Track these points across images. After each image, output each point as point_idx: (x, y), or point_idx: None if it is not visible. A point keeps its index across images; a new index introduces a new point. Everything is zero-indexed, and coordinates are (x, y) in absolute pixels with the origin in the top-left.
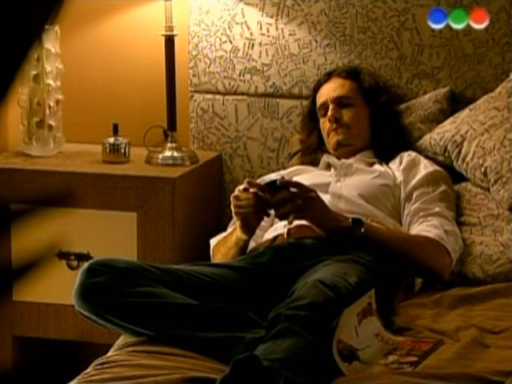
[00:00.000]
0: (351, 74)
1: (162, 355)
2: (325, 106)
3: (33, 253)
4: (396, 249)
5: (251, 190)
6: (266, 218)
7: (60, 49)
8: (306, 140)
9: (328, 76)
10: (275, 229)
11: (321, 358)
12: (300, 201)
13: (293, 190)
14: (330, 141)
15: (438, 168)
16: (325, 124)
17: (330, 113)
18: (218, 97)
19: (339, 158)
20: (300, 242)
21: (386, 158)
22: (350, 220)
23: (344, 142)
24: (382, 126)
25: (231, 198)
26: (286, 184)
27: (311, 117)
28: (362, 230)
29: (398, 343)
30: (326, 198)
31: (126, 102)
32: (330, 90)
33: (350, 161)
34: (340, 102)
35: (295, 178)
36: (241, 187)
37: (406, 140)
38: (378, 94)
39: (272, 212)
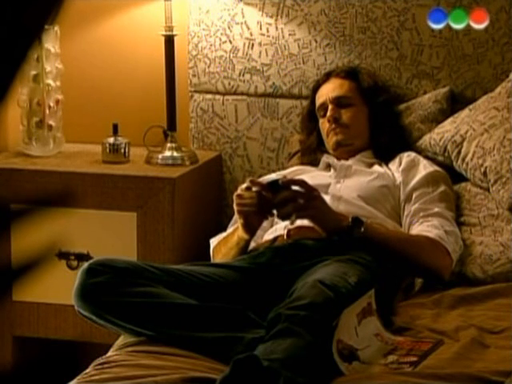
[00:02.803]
0: (350, 73)
1: (162, 355)
2: (324, 106)
3: (33, 253)
4: (396, 248)
5: (254, 188)
6: (268, 223)
7: (60, 49)
8: (306, 140)
9: (327, 76)
10: (275, 230)
11: (321, 357)
12: (302, 200)
13: (295, 188)
14: (330, 141)
15: (437, 168)
16: (324, 124)
17: (328, 113)
18: (217, 97)
19: (339, 159)
20: (300, 243)
21: (385, 158)
22: (350, 219)
23: (343, 142)
24: (381, 126)
25: (234, 197)
26: (288, 183)
27: (310, 117)
28: (362, 229)
29: (398, 343)
30: (325, 199)
31: (126, 101)
32: (328, 91)
33: (349, 162)
34: (339, 102)
35: (299, 177)
36: (243, 186)
37: (406, 140)
38: (377, 94)
39: (275, 212)
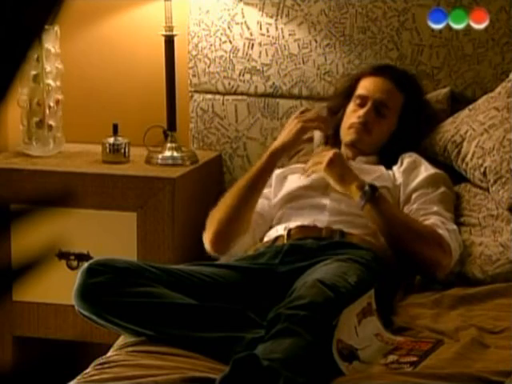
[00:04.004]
0: (402, 84)
1: (162, 355)
2: (364, 99)
3: (33, 253)
4: (401, 227)
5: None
6: (263, 220)
7: (60, 49)
8: (333, 110)
9: (382, 71)
10: (275, 230)
11: (321, 357)
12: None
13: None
14: (348, 133)
15: (438, 171)
16: (353, 113)
17: (364, 110)
18: (217, 97)
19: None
20: (300, 243)
21: (389, 164)
22: (367, 185)
23: (357, 144)
24: (399, 144)
25: (297, 116)
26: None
27: (347, 95)
28: (377, 194)
29: (398, 343)
30: (326, 200)
31: (126, 101)
32: (376, 88)
33: (351, 162)
34: (378, 108)
35: (297, 175)
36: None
37: (414, 149)
38: (414, 117)
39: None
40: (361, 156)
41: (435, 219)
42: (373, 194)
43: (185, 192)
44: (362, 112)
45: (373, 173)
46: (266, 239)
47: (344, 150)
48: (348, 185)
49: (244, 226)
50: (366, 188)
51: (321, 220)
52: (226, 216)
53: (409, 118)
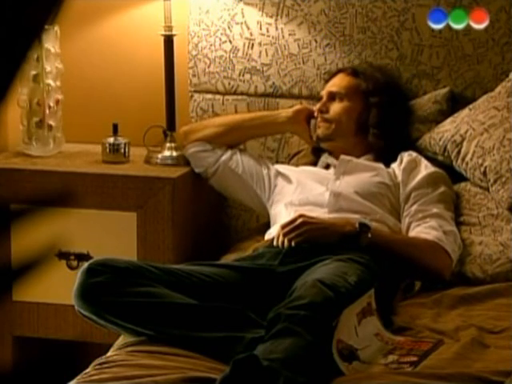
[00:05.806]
0: (359, 71)
1: (162, 355)
2: (321, 99)
3: (33, 253)
4: (399, 252)
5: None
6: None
7: (60, 49)
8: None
9: (337, 71)
10: (276, 228)
11: (320, 357)
12: (292, 231)
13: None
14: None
15: (437, 169)
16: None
17: (318, 105)
18: (217, 97)
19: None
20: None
21: (387, 161)
22: (357, 225)
23: (323, 136)
24: (368, 127)
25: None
26: None
27: None
28: (369, 235)
29: (398, 343)
30: (326, 195)
31: (126, 101)
32: (329, 85)
33: (349, 157)
34: (332, 97)
35: (297, 170)
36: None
37: (406, 144)
38: (376, 95)
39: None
40: (355, 158)
41: (433, 222)
42: (366, 235)
43: (185, 192)
44: (317, 107)
45: (372, 170)
46: (266, 237)
47: (334, 152)
48: (338, 239)
49: (216, 136)
50: (358, 230)
51: (320, 218)
52: (213, 121)
53: (371, 98)
